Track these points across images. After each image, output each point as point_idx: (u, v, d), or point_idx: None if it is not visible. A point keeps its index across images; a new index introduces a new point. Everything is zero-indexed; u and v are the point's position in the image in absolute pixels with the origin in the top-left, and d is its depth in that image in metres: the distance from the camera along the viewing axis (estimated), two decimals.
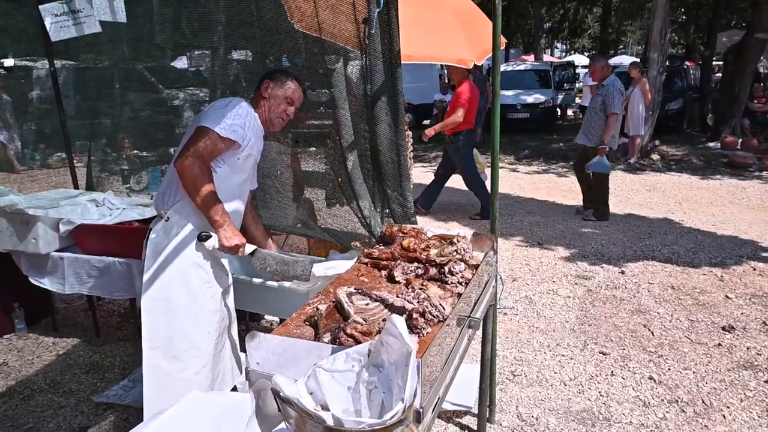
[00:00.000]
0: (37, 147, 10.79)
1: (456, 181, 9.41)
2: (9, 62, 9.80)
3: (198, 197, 2.18)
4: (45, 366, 3.55)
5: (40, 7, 3.35)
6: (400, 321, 1.09)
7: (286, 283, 2.80)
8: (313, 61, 3.03)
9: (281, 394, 0.98)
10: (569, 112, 18.99)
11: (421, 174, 9.92)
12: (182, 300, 2.32)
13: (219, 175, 2.30)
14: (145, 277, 2.33)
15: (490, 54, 2.78)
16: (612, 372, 3.39)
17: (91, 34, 3.44)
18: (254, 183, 2.70)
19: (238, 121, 2.26)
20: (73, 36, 3.34)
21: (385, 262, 2.17)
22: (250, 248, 2.30)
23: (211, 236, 2.24)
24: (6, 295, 3.83)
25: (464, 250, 2.12)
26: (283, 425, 1.12)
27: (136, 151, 6.18)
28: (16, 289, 3.77)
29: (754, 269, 5.01)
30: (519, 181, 9.36)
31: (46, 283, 3.49)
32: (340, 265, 2.34)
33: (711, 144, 11.83)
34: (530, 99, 14.42)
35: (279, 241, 4.42)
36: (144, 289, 2.34)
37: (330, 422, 0.92)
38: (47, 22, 3.31)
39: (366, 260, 2.22)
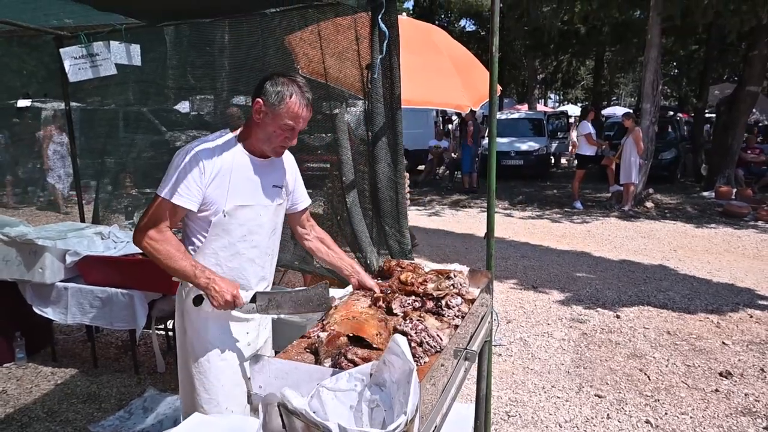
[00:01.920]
0: (42, 184, 11.00)
1: (452, 225, 9.56)
2: (24, 103, 10.12)
3: (170, 271, 1.93)
4: (43, 395, 3.56)
5: (61, 50, 3.53)
6: (402, 340, 1.15)
7: (284, 315, 2.84)
8: (315, 105, 3.17)
9: (289, 406, 1.03)
10: (563, 159, 19.36)
11: (416, 217, 10.04)
12: (194, 371, 2.10)
13: (209, 239, 2.02)
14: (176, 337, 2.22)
15: (486, 101, 2.92)
16: (608, 415, 3.39)
17: (100, 77, 3.59)
18: (299, 203, 2.29)
19: (184, 181, 1.90)
20: (89, 78, 3.49)
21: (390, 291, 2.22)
22: (248, 295, 1.95)
23: (204, 299, 2.01)
24: (9, 324, 3.88)
25: (461, 284, 2.18)
26: None
27: (135, 190, 6.34)
28: (19, 318, 3.83)
29: (751, 316, 5.05)
30: (513, 225, 9.47)
31: (49, 313, 3.55)
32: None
33: (705, 193, 12.03)
34: (524, 146, 14.73)
35: (276, 277, 4.49)
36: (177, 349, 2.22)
37: (336, 431, 0.97)
38: (66, 65, 3.48)
39: (368, 293, 2.27)
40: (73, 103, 4.75)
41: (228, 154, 1.98)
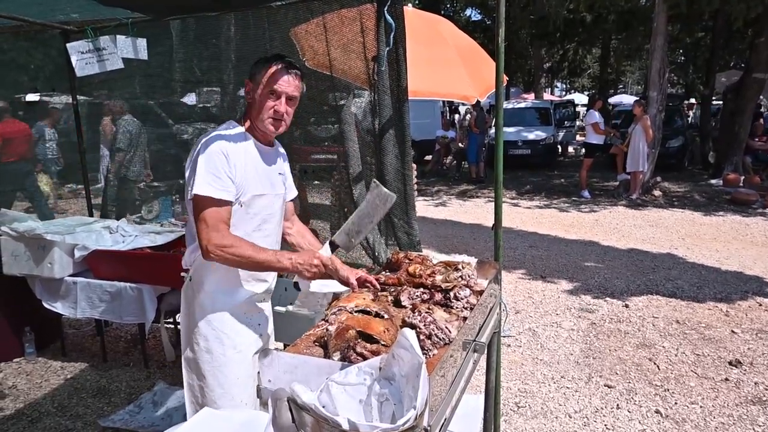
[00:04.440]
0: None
1: (459, 215, 9.54)
2: (33, 97, 10.08)
3: (254, 269, 1.95)
4: (53, 390, 3.59)
5: (68, 45, 3.53)
6: (411, 334, 1.15)
7: (292, 308, 2.85)
8: (321, 97, 3.17)
9: (298, 401, 1.03)
10: (570, 148, 19.24)
11: (424, 207, 10.04)
12: (207, 367, 2.08)
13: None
14: (182, 333, 2.19)
15: (492, 91, 2.90)
16: (618, 405, 3.39)
17: (107, 71, 3.59)
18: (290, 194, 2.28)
19: (216, 174, 1.87)
20: (96, 72, 3.49)
21: (391, 288, 2.22)
22: (327, 250, 1.94)
23: (299, 282, 2.01)
24: (18, 319, 3.91)
25: (469, 276, 2.17)
26: None
27: (143, 184, 6.36)
28: (28, 313, 3.86)
29: (760, 305, 5.02)
30: (521, 215, 9.45)
31: (59, 308, 3.58)
32: (334, 284, 2.22)
33: (713, 181, 11.96)
34: (531, 136, 14.67)
35: None
36: (182, 345, 2.19)
37: (345, 426, 0.97)
38: (73, 59, 3.48)
39: None
40: (80, 97, 4.76)
41: (242, 145, 1.98)
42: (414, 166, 3.00)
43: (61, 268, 3.51)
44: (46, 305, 3.62)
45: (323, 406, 1.15)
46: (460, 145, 14.40)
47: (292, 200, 2.33)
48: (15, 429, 3.16)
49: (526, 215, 9.46)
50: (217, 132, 1.98)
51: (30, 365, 3.92)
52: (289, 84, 1.96)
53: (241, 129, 2.03)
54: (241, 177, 1.94)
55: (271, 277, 2.20)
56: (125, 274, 3.45)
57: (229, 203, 1.90)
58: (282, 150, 2.26)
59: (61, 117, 9.53)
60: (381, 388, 1.20)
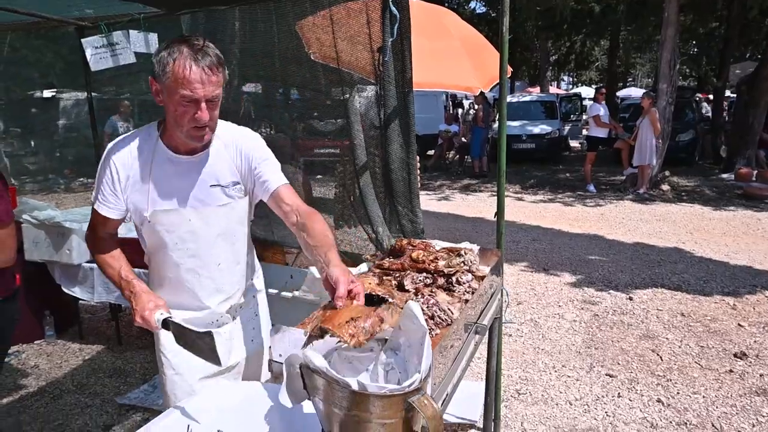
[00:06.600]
0: (61, 172, 11.19)
1: (462, 209, 9.57)
2: (49, 93, 10.22)
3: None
4: (72, 369, 3.76)
5: (83, 40, 3.63)
6: (416, 306, 1.22)
7: (298, 293, 2.93)
8: (327, 90, 3.22)
9: (311, 365, 1.11)
10: (574, 143, 19.03)
11: (426, 201, 10.07)
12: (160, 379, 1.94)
13: (147, 248, 1.83)
14: None
15: (496, 82, 2.94)
16: (619, 394, 3.43)
17: (114, 66, 3.68)
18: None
19: (102, 188, 1.70)
20: (110, 66, 3.59)
21: (395, 273, 2.29)
22: (160, 317, 1.61)
23: None
24: (38, 304, 4.08)
25: (471, 261, 2.24)
26: (309, 402, 1.24)
27: None
28: (48, 298, 4.04)
29: None
30: (524, 209, 9.44)
31: (77, 292, 3.75)
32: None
33: (724, 175, 11.77)
34: (536, 130, 14.50)
35: (290, 258, 4.58)
36: None
37: (355, 387, 1.05)
38: (88, 54, 3.58)
39: (377, 271, 2.34)
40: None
41: (146, 152, 1.68)
42: (417, 157, 3.06)
43: (78, 254, 3.65)
44: (65, 290, 3.78)
45: None
46: (463, 139, 14.39)
47: (277, 192, 1.78)
48: (38, 405, 3.33)
49: (529, 209, 9.45)
50: (122, 140, 1.72)
51: (50, 347, 4.08)
52: (205, 83, 1.53)
53: (153, 132, 1.70)
54: (139, 192, 1.69)
55: (235, 288, 1.90)
56: (139, 260, 3.55)
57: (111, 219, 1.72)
58: (236, 149, 1.78)
59: (130, 109, 9.11)
60: (387, 358, 1.28)
